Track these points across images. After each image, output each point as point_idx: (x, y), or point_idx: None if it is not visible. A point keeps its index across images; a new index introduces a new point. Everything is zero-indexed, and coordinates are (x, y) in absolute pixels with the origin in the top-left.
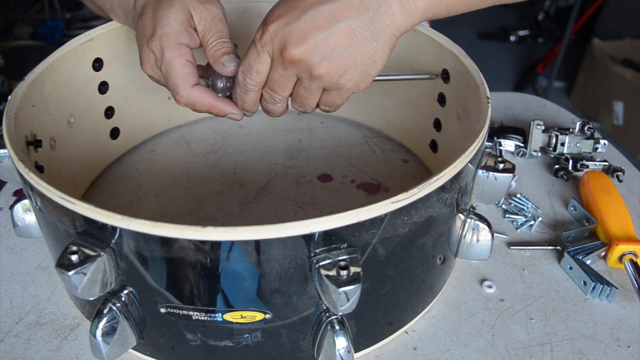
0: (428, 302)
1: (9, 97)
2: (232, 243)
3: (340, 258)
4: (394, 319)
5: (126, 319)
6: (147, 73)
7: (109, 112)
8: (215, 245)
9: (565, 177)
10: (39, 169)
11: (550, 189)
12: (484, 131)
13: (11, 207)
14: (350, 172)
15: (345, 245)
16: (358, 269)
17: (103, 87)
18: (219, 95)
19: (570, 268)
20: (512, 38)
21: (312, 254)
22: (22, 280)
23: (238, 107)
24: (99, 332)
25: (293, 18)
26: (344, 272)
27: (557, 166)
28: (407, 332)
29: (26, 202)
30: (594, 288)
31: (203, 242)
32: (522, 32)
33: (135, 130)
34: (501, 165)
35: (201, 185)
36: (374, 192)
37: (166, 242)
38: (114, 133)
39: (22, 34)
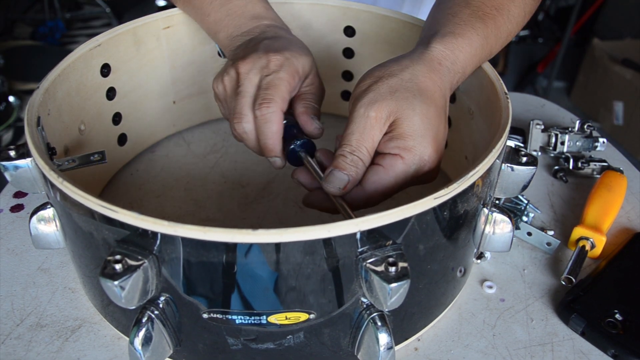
0: (453, 299)
1: (27, 107)
2: (281, 245)
3: (388, 254)
4: (428, 314)
5: (164, 327)
6: (242, 72)
7: (117, 119)
8: (265, 247)
9: (564, 178)
10: None
11: (550, 188)
12: (508, 126)
13: (30, 217)
14: None
15: (391, 242)
16: (406, 265)
17: (111, 93)
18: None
19: None
20: (512, 38)
21: (359, 252)
22: (23, 282)
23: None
24: (137, 341)
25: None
26: (392, 269)
27: (556, 167)
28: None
29: (43, 213)
30: None
31: (253, 246)
32: (522, 32)
33: (141, 136)
34: (524, 159)
35: (201, 186)
36: None
37: (215, 247)
38: (122, 139)
39: (22, 34)
